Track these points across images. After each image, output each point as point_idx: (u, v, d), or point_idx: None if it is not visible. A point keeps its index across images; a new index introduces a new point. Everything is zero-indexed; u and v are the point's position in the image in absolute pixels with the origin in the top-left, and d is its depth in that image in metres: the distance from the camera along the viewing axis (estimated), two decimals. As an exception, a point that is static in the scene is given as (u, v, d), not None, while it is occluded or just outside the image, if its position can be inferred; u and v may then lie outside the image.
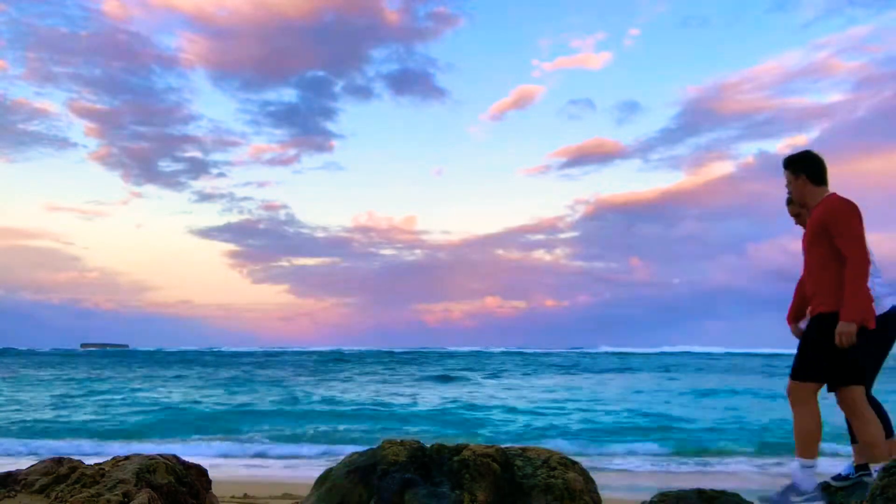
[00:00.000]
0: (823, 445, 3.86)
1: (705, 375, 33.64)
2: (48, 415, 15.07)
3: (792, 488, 3.70)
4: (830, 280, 3.66)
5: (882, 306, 3.66)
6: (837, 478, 3.84)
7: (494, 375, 33.08)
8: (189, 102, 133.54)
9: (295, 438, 11.49)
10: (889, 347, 3.72)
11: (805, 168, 3.85)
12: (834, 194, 3.79)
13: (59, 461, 3.17)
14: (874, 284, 3.64)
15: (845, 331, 3.49)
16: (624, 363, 50.67)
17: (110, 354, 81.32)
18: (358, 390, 22.61)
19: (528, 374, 33.82)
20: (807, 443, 3.69)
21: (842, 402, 3.67)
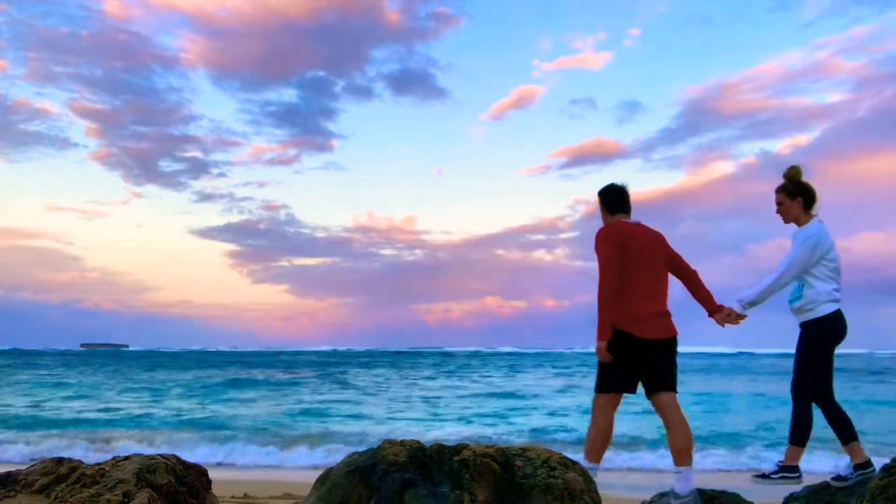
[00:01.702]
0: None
1: (718, 377, 33.58)
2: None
3: (674, 494, 3.97)
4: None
5: (819, 311, 3.95)
6: (837, 478, 3.87)
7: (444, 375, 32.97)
8: (189, 102, 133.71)
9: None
10: (828, 348, 3.99)
11: (606, 198, 4.32)
12: (609, 224, 4.18)
13: (59, 461, 3.17)
14: (826, 289, 3.94)
15: (597, 347, 3.99)
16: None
17: (109, 355, 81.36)
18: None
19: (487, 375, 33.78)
20: (591, 450, 4.01)
21: (656, 406, 4.03)
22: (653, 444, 10.70)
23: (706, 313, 4.33)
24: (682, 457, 3.91)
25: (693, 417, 14.28)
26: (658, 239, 4.28)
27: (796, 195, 4.10)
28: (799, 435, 3.97)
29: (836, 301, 3.98)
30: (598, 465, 4.02)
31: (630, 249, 4.06)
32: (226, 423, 13.40)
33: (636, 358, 3.99)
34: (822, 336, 3.98)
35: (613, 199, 4.29)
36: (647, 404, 4.05)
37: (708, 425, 13.35)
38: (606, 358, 3.93)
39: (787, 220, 4.18)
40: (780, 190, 4.16)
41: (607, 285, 3.99)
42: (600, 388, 4.08)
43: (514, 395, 20.33)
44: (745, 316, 4.11)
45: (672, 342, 4.11)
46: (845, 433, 3.85)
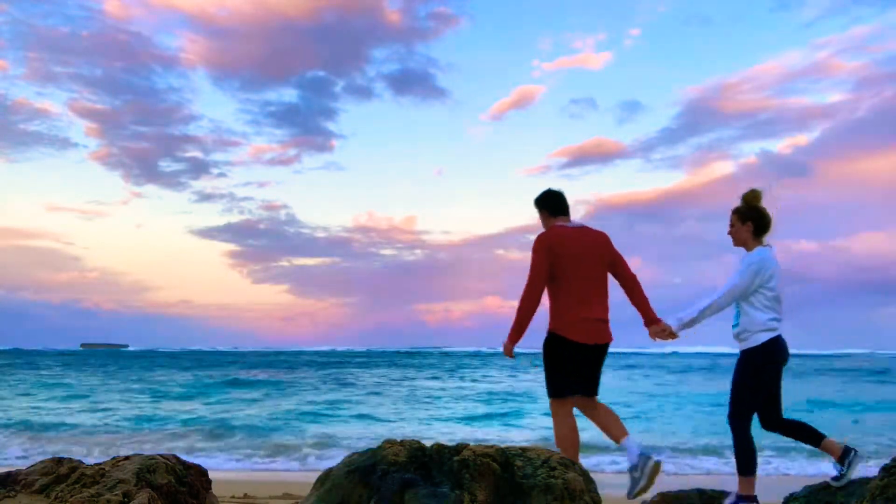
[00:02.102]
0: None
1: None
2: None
3: None
4: (550, 303, 4.20)
5: (753, 340, 3.99)
6: (836, 479, 3.88)
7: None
8: (190, 102, 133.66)
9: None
10: (767, 376, 4.05)
11: (544, 204, 4.40)
12: (543, 232, 4.24)
13: (59, 461, 3.17)
14: (761, 319, 3.99)
15: (504, 346, 4.19)
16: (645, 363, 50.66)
17: (109, 355, 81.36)
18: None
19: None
20: (570, 452, 4.06)
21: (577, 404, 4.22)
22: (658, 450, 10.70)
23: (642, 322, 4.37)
24: (617, 433, 4.12)
25: (691, 418, 14.12)
26: (599, 242, 4.29)
27: (747, 219, 4.13)
28: (745, 464, 3.96)
29: (772, 330, 4.01)
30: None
31: (565, 255, 4.12)
32: (225, 425, 13.40)
33: (580, 361, 4.12)
34: (756, 365, 4.01)
35: (552, 203, 4.37)
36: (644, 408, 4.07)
37: (710, 427, 13.35)
38: (511, 356, 4.16)
39: (735, 243, 4.20)
40: (734, 212, 4.19)
41: (531, 294, 4.11)
42: (558, 392, 4.15)
43: (514, 395, 20.33)
44: (678, 336, 4.17)
45: (605, 348, 4.22)
46: (745, 466, 3.93)
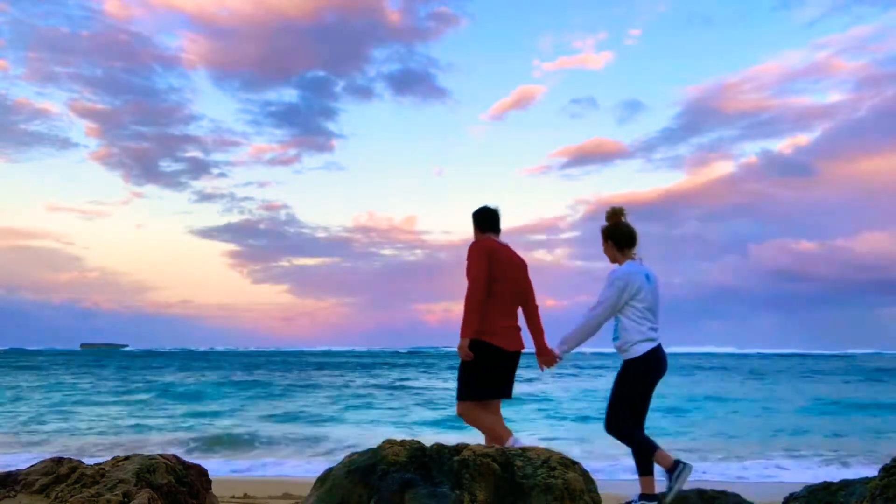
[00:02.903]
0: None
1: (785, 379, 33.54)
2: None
3: None
4: None
5: (633, 352, 4.17)
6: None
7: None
8: (190, 102, 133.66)
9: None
10: (643, 386, 4.21)
11: (478, 219, 4.66)
12: (479, 240, 4.48)
13: (59, 461, 3.17)
14: (638, 330, 4.18)
15: (460, 345, 4.33)
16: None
17: (107, 354, 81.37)
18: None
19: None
20: (501, 436, 4.31)
21: (458, 411, 4.42)
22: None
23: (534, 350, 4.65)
24: (504, 434, 4.27)
25: (689, 421, 14.14)
26: (521, 264, 4.61)
27: (608, 237, 4.39)
28: (644, 465, 4.10)
29: (651, 340, 4.18)
30: (513, 436, 4.33)
31: (498, 266, 4.39)
32: (223, 425, 13.40)
33: (502, 366, 4.35)
34: (636, 375, 4.17)
35: (487, 219, 4.64)
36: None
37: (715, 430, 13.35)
38: (468, 356, 4.27)
39: (610, 261, 4.42)
40: (600, 231, 4.46)
41: (477, 293, 4.31)
42: (466, 395, 4.37)
43: (514, 395, 20.32)
44: (561, 359, 4.40)
45: (517, 355, 4.47)
46: (643, 467, 4.09)
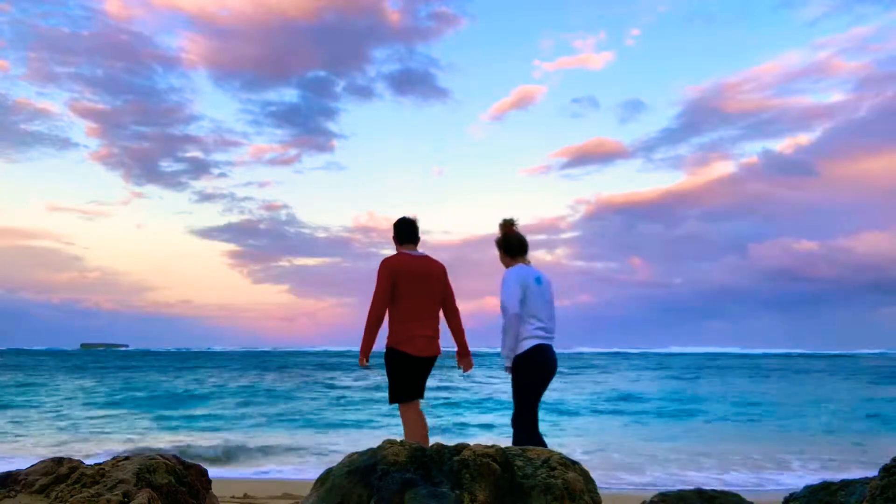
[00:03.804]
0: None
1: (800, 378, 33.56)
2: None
3: None
4: (389, 320, 4.82)
5: (520, 348, 4.46)
6: None
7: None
8: (190, 102, 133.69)
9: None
10: (533, 379, 4.49)
11: (395, 231, 4.95)
12: (385, 259, 4.78)
13: (59, 461, 3.17)
14: (528, 329, 4.47)
15: (360, 360, 4.78)
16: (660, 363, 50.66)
17: (106, 355, 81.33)
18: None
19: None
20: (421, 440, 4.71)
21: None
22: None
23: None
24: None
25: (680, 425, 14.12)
26: (438, 272, 4.90)
27: (500, 247, 4.73)
28: None
29: (537, 338, 4.47)
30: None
31: (406, 280, 4.71)
32: (224, 428, 13.40)
33: (413, 370, 4.73)
34: (525, 369, 4.45)
35: (403, 231, 4.93)
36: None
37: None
38: (365, 366, 4.76)
39: (505, 268, 4.70)
40: (494, 241, 4.78)
41: (373, 312, 4.69)
42: (397, 398, 4.79)
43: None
44: (508, 364, 4.59)
45: (432, 360, 4.86)
46: None
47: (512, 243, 4.69)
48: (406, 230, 4.94)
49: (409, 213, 4.97)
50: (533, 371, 4.46)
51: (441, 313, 4.99)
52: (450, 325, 5.03)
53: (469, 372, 5.04)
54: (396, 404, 4.87)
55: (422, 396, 4.89)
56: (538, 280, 4.57)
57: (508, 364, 4.54)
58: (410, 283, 4.75)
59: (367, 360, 4.83)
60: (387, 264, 4.75)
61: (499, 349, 4.62)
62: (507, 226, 4.75)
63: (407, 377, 4.77)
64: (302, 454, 9.99)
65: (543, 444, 4.26)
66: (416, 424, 4.79)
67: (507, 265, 4.70)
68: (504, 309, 4.47)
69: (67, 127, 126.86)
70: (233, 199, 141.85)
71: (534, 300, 4.49)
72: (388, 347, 4.80)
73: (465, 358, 5.07)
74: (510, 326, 4.45)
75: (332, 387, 24.39)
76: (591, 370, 39.49)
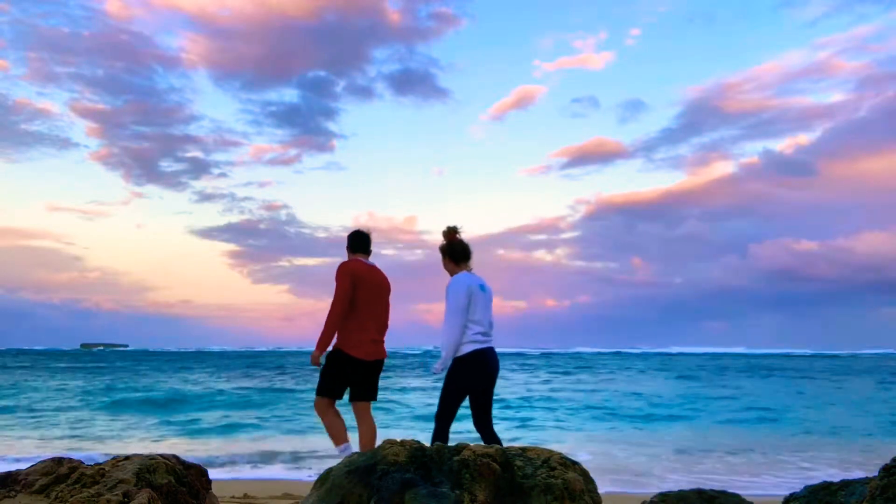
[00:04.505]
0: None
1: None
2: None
3: None
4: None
5: (462, 350, 4.59)
6: None
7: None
8: (191, 102, 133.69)
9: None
10: (472, 381, 4.62)
11: (349, 242, 5.22)
12: (345, 262, 5.03)
13: (59, 461, 3.17)
14: (469, 334, 4.60)
15: (312, 355, 5.00)
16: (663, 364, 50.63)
17: (105, 355, 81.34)
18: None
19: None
20: (336, 437, 5.02)
21: (354, 410, 5.05)
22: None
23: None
24: (339, 438, 4.93)
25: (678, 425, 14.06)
26: (385, 286, 5.16)
27: (444, 254, 4.86)
28: None
29: (477, 343, 4.59)
30: (348, 443, 5.02)
31: (361, 287, 4.94)
32: (224, 427, 13.40)
33: (352, 374, 4.93)
34: (461, 373, 4.59)
35: (357, 241, 5.19)
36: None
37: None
38: (317, 364, 4.95)
39: (449, 275, 4.82)
40: (439, 248, 4.91)
41: (336, 312, 4.87)
42: (322, 392, 4.99)
43: (514, 395, 20.33)
44: (439, 372, 4.72)
45: (380, 363, 5.10)
46: None
47: (456, 250, 4.83)
48: (360, 241, 5.20)
49: (363, 227, 5.27)
50: (472, 374, 4.60)
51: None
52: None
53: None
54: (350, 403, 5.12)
55: (371, 398, 5.13)
56: (482, 287, 4.72)
57: (441, 367, 4.66)
58: (364, 289, 4.97)
59: (321, 359, 5.01)
60: (347, 268, 4.96)
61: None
62: (452, 233, 4.88)
63: (341, 378, 4.97)
64: (302, 454, 9.99)
65: (496, 438, 4.50)
66: (332, 416, 5.02)
67: (451, 272, 4.83)
68: (448, 314, 4.59)
69: (67, 127, 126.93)
70: (233, 199, 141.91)
71: (477, 307, 4.63)
72: (335, 348, 4.99)
73: None
74: (452, 332, 4.57)
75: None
76: (592, 371, 39.49)
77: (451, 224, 4.89)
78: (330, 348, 5.17)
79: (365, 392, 5.08)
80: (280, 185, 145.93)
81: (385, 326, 5.23)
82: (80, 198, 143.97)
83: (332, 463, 3.20)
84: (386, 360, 5.08)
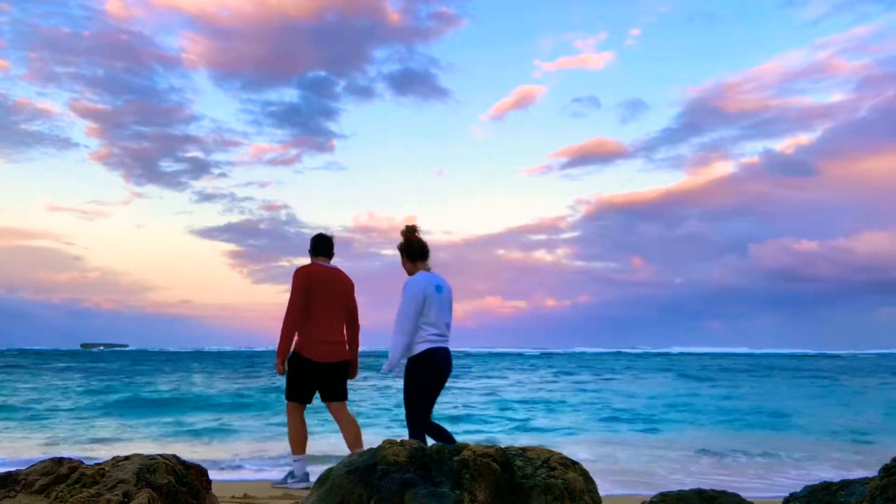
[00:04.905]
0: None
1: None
2: None
3: (291, 474, 5.34)
4: (299, 327, 5.10)
5: (414, 351, 4.63)
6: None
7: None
8: (191, 102, 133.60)
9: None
10: (426, 380, 4.64)
11: (311, 245, 5.33)
12: (301, 266, 5.13)
13: (59, 461, 3.17)
14: (423, 334, 4.62)
15: (276, 364, 5.11)
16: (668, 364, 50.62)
17: (109, 354, 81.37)
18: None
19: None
20: (295, 445, 5.18)
21: (330, 410, 5.22)
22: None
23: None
24: (356, 446, 4.97)
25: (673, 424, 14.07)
26: (346, 286, 5.22)
27: (402, 252, 4.89)
28: None
29: (430, 342, 4.61)
30: (303, 455, 5.17)
31: (317, 290, 5.00)
32: (224, 431, 13.39)
33: (313, 376, 5.02)
34: (416, 372, 4.63)
35: (318, 245, 5.27)
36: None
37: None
38: (281, 373, 5.03)
39: (407, 273, 4.86)
40: (397, 247, 4.93)
41: (289, 318, 4.96)
42: (289, 397, 5.11)
43: (514, 395, 20.32)
44: (399, 375, 4.74)
45: (343, 364, 5.17)
46: None
47: (414, 248, 4.84)
48: (321, 244, 5.27)
49: (325, 231, 5.35)
50: (426, 373, 4.61)
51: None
52: (348, 336, 5.30)
53: (353, 379, 5.40)
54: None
55: (340, 399, 5.16)
56: (439, 288, 4.69)
57: (388, 368, 4.68)
58: (321, 292, 5.02)
59: (284, 366, 5.07)
60: (302, 272, 5.03)
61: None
62: (410, 232, 4.88)
63: (303, 381, 5.04)
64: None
65: (441, 429, 4.58)
66: (296, 422, 5.11)
67: (409, 270, 4.84)
68: (399, 317, 4.59)
69: (68, 127, 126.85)
70: (233, 199, 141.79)
71: (432, 308, 4.63)
72: (294, 352, 5.06)
73: (352, 367, 5.39)
74: (401, 335, 4.58)
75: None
76: (592, 371, 39.48)
77: (410, 223, 4.87)
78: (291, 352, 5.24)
79: (331, 393, 5.15)
80: (280, 185, 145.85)
81: (354, 326, 5.28)
82: (80, 198, 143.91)
83: (333, 463, 3.20)
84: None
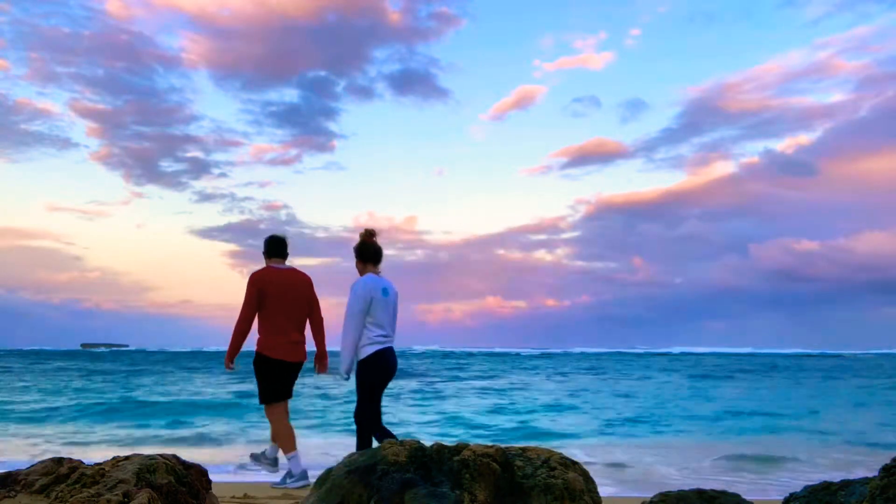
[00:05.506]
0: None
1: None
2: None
3: (289, 474, 5.49)
4: (258, 328, 5.29)
5: (362, 353, 4.80)
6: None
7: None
8: (191, 102, 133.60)
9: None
10: (374, 379, 4.82)
11: (264, 247, 5.42)
12: (253, 272, 5.26)
13: (59, 461, 3.17)
14: (367, 335, 4.78)
15: (225, 364, 5.28)
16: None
17: (109, 354, 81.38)
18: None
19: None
20: (285, 444, 5.33)
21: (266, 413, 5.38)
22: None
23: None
24: (288, 447, 5.22)
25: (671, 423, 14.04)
26: (303, 283, 5.34)
27: (355, 253, 5.04)
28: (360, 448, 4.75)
29: (377, 344, 4.79)
30: (296, 451, 5.30)
31: (271, 292, 5.14)
32: (224, 431, 13.39)
33: (282, 375, 5.17)
34: (366, 373, 4.79)
35: (271, 247, 5.39)
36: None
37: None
38: (229, 369, 5.24)
39: (359, 274, 5.00)
40: (353, 248, 5.07)
41: (240, 320, 5.14)
42: (266, 399, 5.25)
43: (514, 395, 20.32)
44: (346, 376, 4.89)
45: (298, 365, 5.32)
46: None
47: (367, 251, 5.00)
48: (274, 246, 5.37)
49: (278, 233, 5.43)
50: (374, 373, 4.78)
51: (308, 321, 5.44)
52: (313, 331, 5.42)
53: (323, 373, 5.56)
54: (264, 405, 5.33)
55: (290, 397, 5.35)
56: (385, 291, 4.87)
57: (347, 369, 4.82)
58: (276, 294, 5.15)
59: (233, 363, 5.24)
60: (253, 278, 5.15)
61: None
62: (368, 235, 5.06)
63: (273, 380, 5.18)
64: (301, 455, 9.98)
65: (391, 435, 4.64)
66: (282, 423, 5.23)
67: (360, 271, 4.99)
68: (347, 317, 4.76)
69: (68, 127, 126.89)
70: (233, 199, 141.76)
71: (378, 309, 4.79)
72: (256, 353, 5.20)
73: (321, 360, 5.53)
74: (350, 334, 4.73)
75: (333, 386, 24.40)
76: (592, 371, 39.47)
77: (370, 228, 5.06)
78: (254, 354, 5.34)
79: (285, 392, 5.33)
80: (280, 185, 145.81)
81: (318, 319, 5.37)
82: (80, 198, 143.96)
83: (332, 463, 3.20)
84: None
